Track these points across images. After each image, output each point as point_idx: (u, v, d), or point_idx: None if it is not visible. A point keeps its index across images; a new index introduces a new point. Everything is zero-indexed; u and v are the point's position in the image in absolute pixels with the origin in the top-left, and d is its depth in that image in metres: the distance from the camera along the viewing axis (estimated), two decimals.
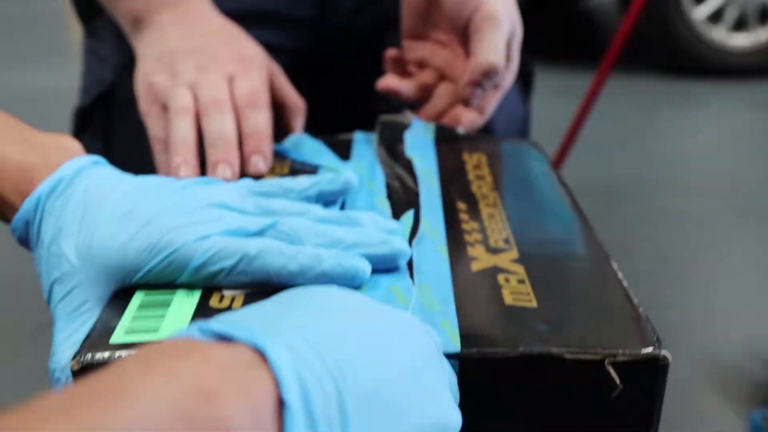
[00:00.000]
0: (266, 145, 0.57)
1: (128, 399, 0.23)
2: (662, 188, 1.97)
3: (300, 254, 0.39)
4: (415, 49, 0.66)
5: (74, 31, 3.43)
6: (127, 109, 0.67)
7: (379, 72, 0.68)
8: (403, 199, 0.49)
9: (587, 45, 3.12)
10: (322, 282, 0.38)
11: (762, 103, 2.58)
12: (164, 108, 0.57)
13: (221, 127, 0.55)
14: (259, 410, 0.25)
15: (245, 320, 0.29)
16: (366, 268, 0.39)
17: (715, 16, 2.80)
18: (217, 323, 0.28)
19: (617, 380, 0.34)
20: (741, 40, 2.82)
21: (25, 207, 0.41)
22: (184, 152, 0.55)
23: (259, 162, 0.56)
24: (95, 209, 0.40)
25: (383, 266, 0.40)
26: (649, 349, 0.34)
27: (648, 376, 0.35)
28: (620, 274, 0.42)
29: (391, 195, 0.50)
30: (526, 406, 0.36)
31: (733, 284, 1.51)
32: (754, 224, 1.76)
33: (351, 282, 0.39)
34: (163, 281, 0.39)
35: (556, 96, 2.07)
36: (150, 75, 0.59)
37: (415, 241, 0.44)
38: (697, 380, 1.16)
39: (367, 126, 0.63)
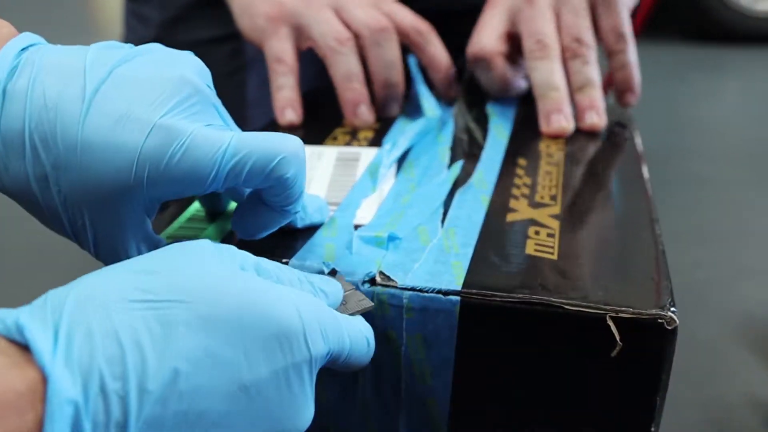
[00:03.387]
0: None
1: None
2: (689, 153, 1.94)
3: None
4: None
5: (95, 5, 3.43)
6: None
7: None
8: (466, 151, 0.50)
9: None
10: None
11: None
12: (297, 30, 0.55)
13: (392, 57, 0.54)
14: None
15: (49, 310, 0.24)
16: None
17: None
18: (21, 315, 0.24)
19: (617, 336, 0.32)
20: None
21: None
22: (359, 91, 0.53)
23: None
24: (65, 107, 0.31)
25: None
26: (655, 310, 0.32)
27: (654, 339, 0.33)
28: (659, 239, 0.40)
29: (454, 147, 0.51)
30: (525, 357, 0.34)
31: (761, 245, 1.49)
32: None
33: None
34: (187, 192, 0.32)
35: None
36: None
37: (460, 189, 0.44)
38: (728, 338, 1.15)
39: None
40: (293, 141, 0.33)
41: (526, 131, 0.55)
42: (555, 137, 0.54)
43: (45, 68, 0.31)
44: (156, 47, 0.35)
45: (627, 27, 0.58)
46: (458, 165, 0.47)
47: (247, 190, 0.37)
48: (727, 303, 1.24)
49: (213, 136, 0.32)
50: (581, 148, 0.53)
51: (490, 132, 0.54)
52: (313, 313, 0.28)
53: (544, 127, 0.55)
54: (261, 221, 0.36)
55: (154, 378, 0.24)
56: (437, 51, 0.57)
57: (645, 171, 0.49)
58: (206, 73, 0.35)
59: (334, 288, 0.33)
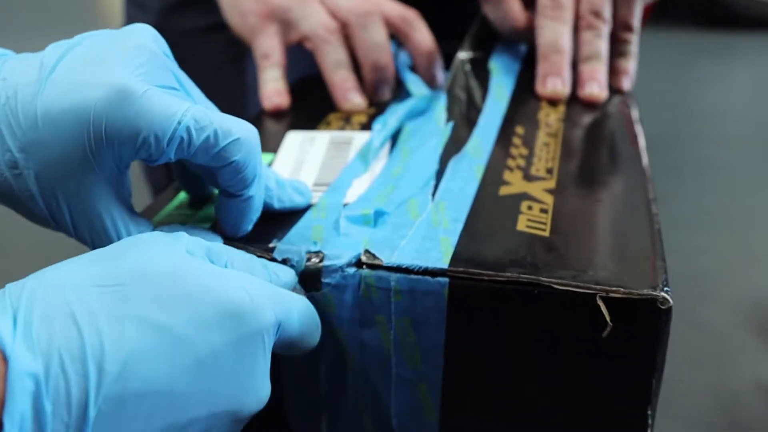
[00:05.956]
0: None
1: None
2: (698, 139, 1.92)
3: (266, 170, 0.38)
4: None
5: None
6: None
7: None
8: (463, 112, 0.49)
9: None
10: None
11: None
12: (286, 25, 0.55)
13: (379, 40, 0.54)
14: None
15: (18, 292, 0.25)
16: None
17: None
18: None
19: (607, 317, 0.31)
20: None
21: None
22: (348, 77, 0.54)
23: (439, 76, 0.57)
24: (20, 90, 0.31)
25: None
26: (647, 291, 0.31)
27: (648, 320, 0.32)
28: (656, 219, 0.39)
29: (450, 106, 0.50)
30: (516, 338, 0.33)
31: None
32: None
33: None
34: (140, 157, 0.32)
35: None
36: None
37: (454, 158, 0.43)
38: (735, 324, 1.14)
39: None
40: (248, 126, 0.34)
41: (527, 94, 0.54)
42: (549, 101, 0.53)
43: (7, 69, 0.32)
44: (108, 30, 0.35)
45: (637, 20, 0.57)
46: (449, 127, 0.46)
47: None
48: (736, 290, 1.23)
49: (168, 100, 0.32)
50: (581, 121, 0.52)
51: (490, 93, 0.52)
52: (259, 288, 0.29)
53: (540, 88, 0.54)
54: (230, 214, 0.36)
55: (111, 358, 0.24)
56: (423, 38, 0.57)
57: (644, 152, 0.48)
58: (162, 42, 0.35)
59: (288, 274, 0.34)
